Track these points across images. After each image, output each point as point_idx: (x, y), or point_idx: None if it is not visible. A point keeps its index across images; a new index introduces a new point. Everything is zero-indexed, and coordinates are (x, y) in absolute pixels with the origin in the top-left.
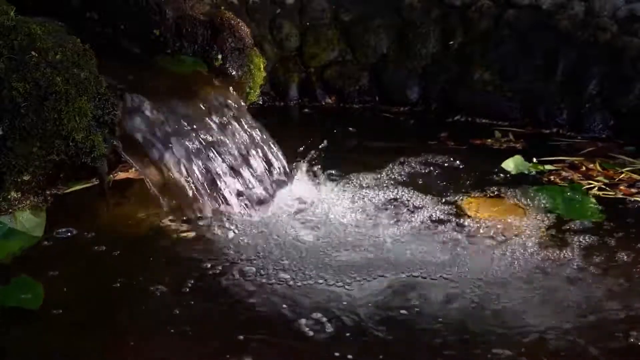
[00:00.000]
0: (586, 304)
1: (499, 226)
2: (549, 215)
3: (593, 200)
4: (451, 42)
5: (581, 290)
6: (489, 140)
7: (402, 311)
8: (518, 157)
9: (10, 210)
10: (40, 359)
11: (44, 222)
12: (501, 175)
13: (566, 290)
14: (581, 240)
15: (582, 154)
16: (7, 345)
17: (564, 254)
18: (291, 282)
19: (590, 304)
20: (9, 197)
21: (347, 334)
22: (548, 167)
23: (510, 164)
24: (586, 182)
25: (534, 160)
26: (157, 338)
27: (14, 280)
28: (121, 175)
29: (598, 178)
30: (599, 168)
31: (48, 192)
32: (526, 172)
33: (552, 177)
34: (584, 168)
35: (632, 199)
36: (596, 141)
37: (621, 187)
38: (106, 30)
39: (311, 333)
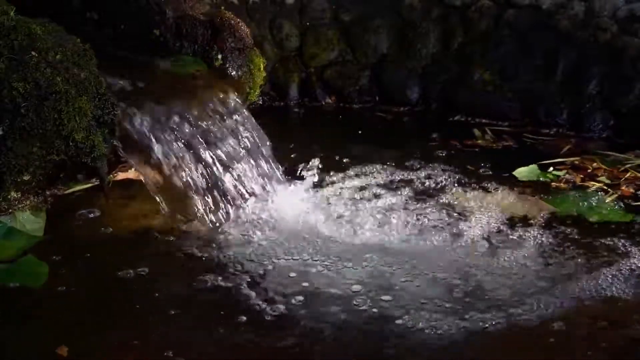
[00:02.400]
0: None
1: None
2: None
3: (612, 203)
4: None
5: None
6: (480, 140)
7: None
8: (533, 166)
9: (10, 210)
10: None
11: (44, 222)
12: (509, 179)
13: None
14: None
15: (565, 153)
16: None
17: None
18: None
19: None
20: (9, 197)
21: None
22: (560, 173)
23: (523, 172)
24: (591, 183)
25: (551, 169)
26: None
27: (20, 260)
28: (121, 175)
29: (601, 178)
30: (603, 166)
31: (48, 192)
32: (540, 179)
33: (555, 183)
34: (590, 169)
35: None
36: (569, 138)
37: (623, 188)
38: (106, 30)
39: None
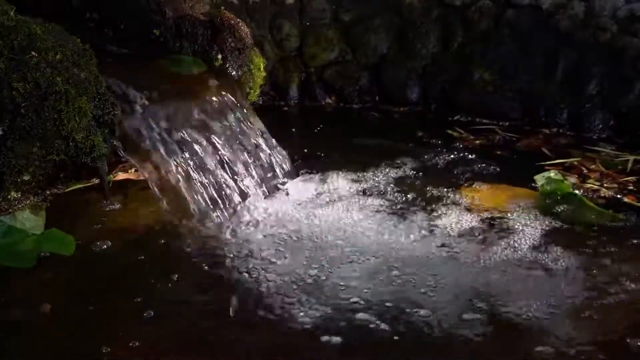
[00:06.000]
0: None
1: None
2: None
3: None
4: None
5: None
6: (478, 141)
7: None
8: (552, 172)
9: (10, 210)
10: None
11: (44, 222)
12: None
13: None
14: None
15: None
16: None
17: None
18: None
19: None
20: (9, 197)
21: None
22: (572, 179)
23: (541, 180)
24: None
25: (553, 174)
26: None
27: (45, 232)
28: (121, 175)
29: (592, 179)
30: (601, 168)
31: (48, 192)
32: (558, 190)
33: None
34: (585, 170)
35: None
36: (539, 134)
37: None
38: (106, 30)
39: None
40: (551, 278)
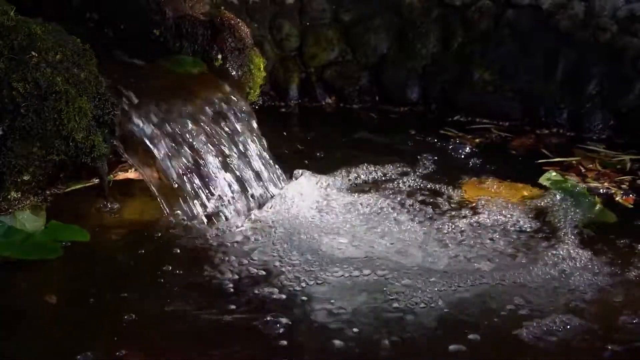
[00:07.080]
0: None
1: None
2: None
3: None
4: None
5: None
6: (477, 140)
7: None
8: (555, 173)
9: (10, 210)
10: None
11: (44, 222)
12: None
13: None
14: None
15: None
16: None
17: None
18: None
19: None
20: (9, 197)
21: None
22: (571, 179)
23: (546, 179)
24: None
25: (554, 174)
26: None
27: (47, 227)
28: (121, 175)
29: (590, 178)
30: (599, 168)
31: (48, 192)
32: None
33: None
34: (583, 169)
35: None
36: (530, 133)
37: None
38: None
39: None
40: None
